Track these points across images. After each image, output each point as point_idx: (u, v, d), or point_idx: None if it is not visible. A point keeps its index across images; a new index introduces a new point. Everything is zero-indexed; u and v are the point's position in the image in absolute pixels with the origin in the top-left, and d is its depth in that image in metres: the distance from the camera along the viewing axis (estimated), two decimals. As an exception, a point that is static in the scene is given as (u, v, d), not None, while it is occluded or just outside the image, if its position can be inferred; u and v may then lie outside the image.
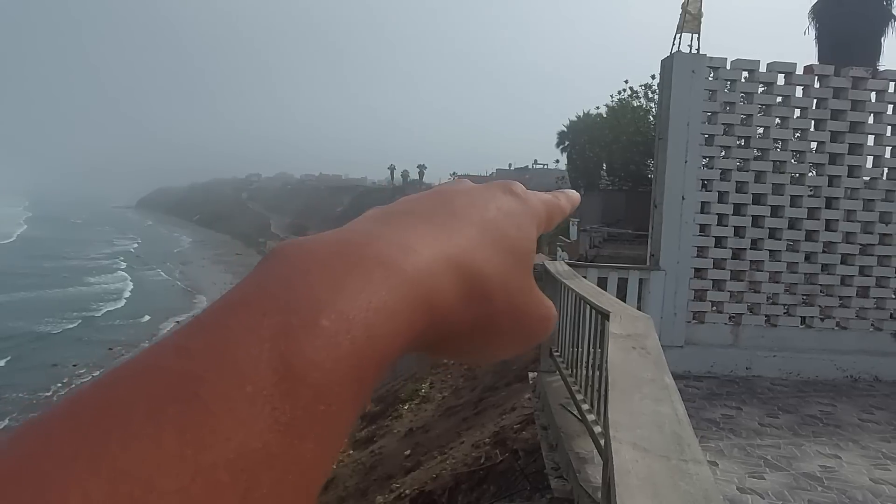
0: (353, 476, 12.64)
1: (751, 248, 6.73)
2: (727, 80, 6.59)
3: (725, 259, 6.74)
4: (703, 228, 6.70)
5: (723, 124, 6.62)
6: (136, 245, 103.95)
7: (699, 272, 6.75)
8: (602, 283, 6.20)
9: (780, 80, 6.61)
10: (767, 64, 6.59)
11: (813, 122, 6.69)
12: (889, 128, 6.70)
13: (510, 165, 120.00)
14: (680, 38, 6.60)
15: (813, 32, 16.97)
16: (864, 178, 6.77)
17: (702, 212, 6.66)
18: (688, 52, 6.57)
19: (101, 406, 0.17)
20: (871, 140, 6.71)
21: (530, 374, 6.71)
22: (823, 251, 6.78)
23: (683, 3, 6.55)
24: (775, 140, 6.72)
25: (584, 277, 5.59)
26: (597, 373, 3.88)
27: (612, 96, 26.97)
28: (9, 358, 40.31)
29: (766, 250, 6.73)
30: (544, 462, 4.53)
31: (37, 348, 43.10)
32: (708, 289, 6.77)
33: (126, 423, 0.17)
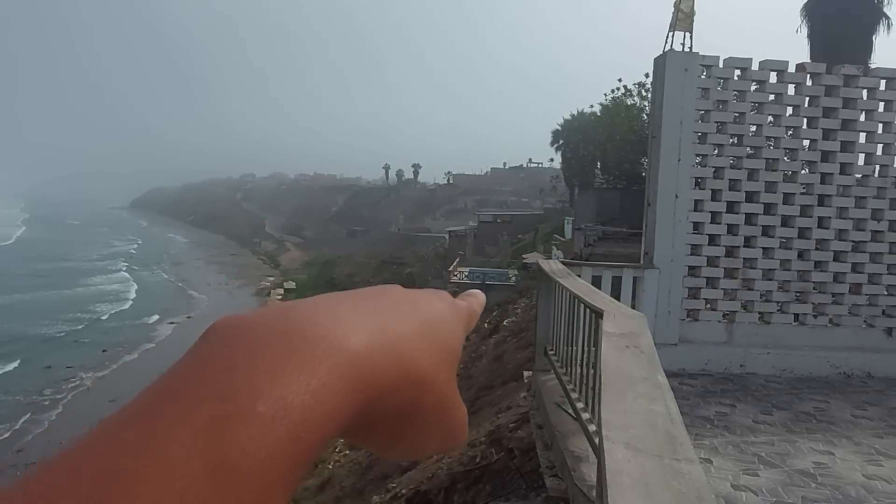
0: (349, 476, 12.62)
1: (744, 246, 6.75)
2: (720, 78, 6.60)
3: (719, 257, 6.76)
4: (697, 226, 6.72)
5: (715, 122, 6.64)
6: (135, 247, 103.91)
7: (693, 270, 6.77)
8: (596, 281, 6.21)
9: (773, 77, 6.63)
10: (760, 62, 6.61)
11: (805, 119, 6.72)
12: (880, 125, 6.73)
13: (505, 164, 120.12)
14: (672, 36, 6.61)
15: (805, 31, 17.04)
16: (856, 176, 6.81)
17: (695, 210, 6.68)
18: (680, 50, 6.58)
19: None
20: (862, 137, 6.74)
21: (525, 373, 6.72)
22: (816, 248, 6.81)
23: (676, 2, 6.55)
24: (768, 138, 6.74)
25: (579, 276, 5.60)
26: (591, 371, 3.88)
27: (605, 95, 27.02)
28: (18, 362, 40.26)
29: (759, 248, 6.75)
30: (539, 461, 4.53)
31: (45, 351, 43.07)
32: (702, 286, 6.79)
33: None
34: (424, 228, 73.39)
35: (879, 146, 6.79)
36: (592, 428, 3.71)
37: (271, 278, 72.73)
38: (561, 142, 34.78)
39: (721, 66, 6.56)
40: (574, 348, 4.61)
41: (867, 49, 16.45)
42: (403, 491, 8.03)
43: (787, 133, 6.78)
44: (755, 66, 6.57)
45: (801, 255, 6.82)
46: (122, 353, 43.95)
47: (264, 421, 0.20)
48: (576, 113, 33.10)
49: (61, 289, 65.71)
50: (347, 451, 15.15)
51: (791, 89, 6.67)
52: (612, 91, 26.05)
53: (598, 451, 2.00)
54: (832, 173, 6.74)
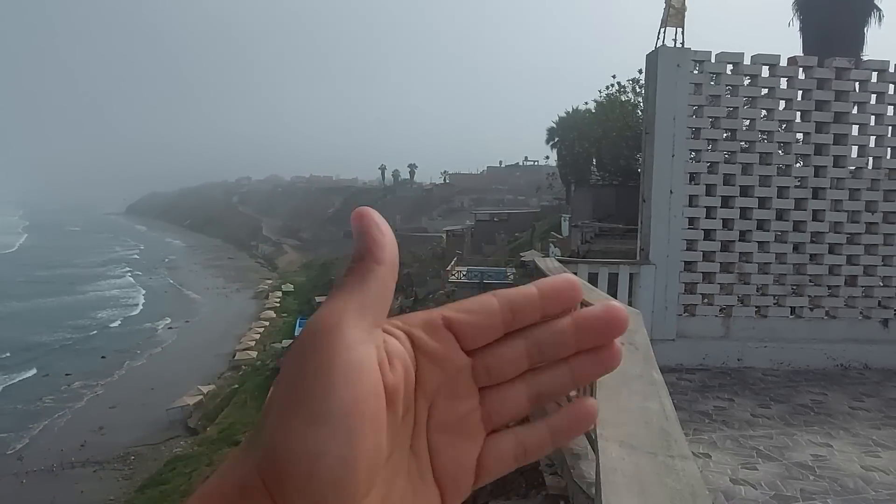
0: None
1: (739, 240, 6.77)
2: (712, 73, 6.61)
3: (714, 251, 6.77)
4: (692, 221, 6.73)
5: (709, 117, 6.65)
6: (137, 253, 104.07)
7: (689, 265, 6.78)
8: (593, 279, 6.22)
9: (765, 72, 6.64)
10: (752, 56, 6.62)
11: (798, 113, 6.73)
12: (872, 117, 6.75)
13: (501, 163, 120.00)
14: (664, 32, 6.62)
15: (797, 24, 17.06)
16: (850, 168, 6.82)
17: (690, 205, 6.69)
18: (672, 46, 6.59)
19: None
20: (855, 130, 6.76)
21: (524, 372, 6.72)
22: (811, 241, 6.83)
23: (667, -2, 6.56)
24: (761, 132, 6.76)
25: (575, 274, 5.61)
26: (588, 369, 3.89)
27: (600, 92, 27.02)
28: (35, 370, 40.30)
29: (754, 242, 6.77)
30: (539, 459, 4.54)
31: (60, 358, 43.12)
32: (698, 282, 6.80)
33: None
34: (421, 228, 73.31)
35: (872, 138, 6.81)
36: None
37: (269, 281, 72.56)
38: (556, 139, 34.74)
39: (713, 61, 6.57)
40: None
41: (859, 42, 16.48)
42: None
43: (780, 127, 6.79)
44: (747, 61, 6.59)
45: (797, 248, 6.84)
46: (138, 355, 44.23)
47: None
48: (571, 110, 33.10)
49: (70, 295, 66.08)
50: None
51: (783, 83, 6.68)
52: (607, 88, 26.06)
53: (594, 449, 2.00)
54: (826, 166, 6.76)
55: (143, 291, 68.43)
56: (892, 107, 6.74)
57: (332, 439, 0.29)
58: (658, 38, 6.65)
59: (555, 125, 35.17)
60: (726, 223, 6.76)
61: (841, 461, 4.35)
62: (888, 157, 6.83)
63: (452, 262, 37.71)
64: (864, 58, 9.09)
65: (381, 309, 0.33)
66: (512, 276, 28.48)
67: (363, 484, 0.29)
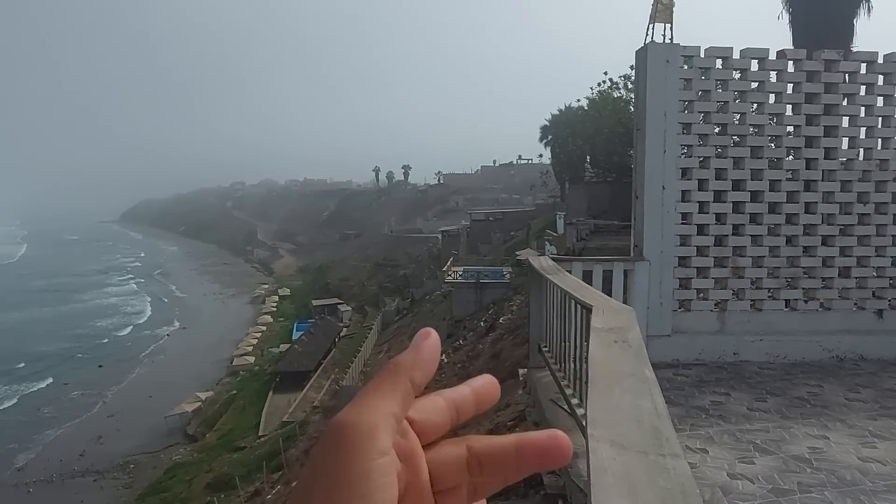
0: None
1: (733, 234, 6.78)
2: (701, 68, 6.62)
3: (708, 246, 6.77)
4: (685, 217, 6.74)
5: (699, 112, 6.65)
6: (138, 261, 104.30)
7: (683, 261, 6.78)
8: (587, 276, 6.21)
9: (754, 65, 6.65)
10: (741, 50, 6.63)
11: (788, 106, 6.74)
12: (862, 108, 6.77)
13: (495, 162, 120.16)
14: (653, 28, 6.62)
15: (787, 17, 17.10)
16: (841, 160, 6.84)
17: (682, 200, 6.70)
18: (661, 41, 6.59)
19: None
20: (845, 121, 6.77)
21: (520, 371, 6.72)
22: (805, 234, 6.84)
23: (655, -6, 6.56)
24: (752, 126, 6.77)
25: (569, 272, 5.60)
26: (584, 366, 3.88)
27: (592, 88, 27.09)
28: (50, 380, 40.35)
29: (747, 235, 6.77)
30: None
31: (74, 368, 43.18)
32: (692, 277, 6.80)
33: None
34: (417, 229, 73.34)
35: (862, 129, 6.82)
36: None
37: (266, 286, 72.47)
38: (549, 137, 34.81)
39: (702, 55, 6.57)
40: (567, 344, 4.61)
41: (849, 34, 16.53)
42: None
43: (770, 120, 6.80)
44: (736, 55, 6.59)
45: (790, 240, 6.85)
46: (143, 362, 44.30)
47: None
48: (563, 108, 33.16)
49: (77, 304, 66.46)
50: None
51: (773, 76, 6.69)
52: (599, 84, 26.13)
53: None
54: (817, 158, 6.77)
55: (149, 299, 68.70)
56: (882, 98, 6.76)
57: None
58: (647, 35, 6.65)
59: (548, 123, 35.22)
60: (719, 217, 6.76)
61: (838, 453, 4.35)
62: (879, 147, 6.84)
63: (449, 263, 37.73)
64: (854, 49, 9.10)
65: (400, 419, 0.36)
66: (508, 275, 28.49)
67: None
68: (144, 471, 27.93)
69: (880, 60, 6.66)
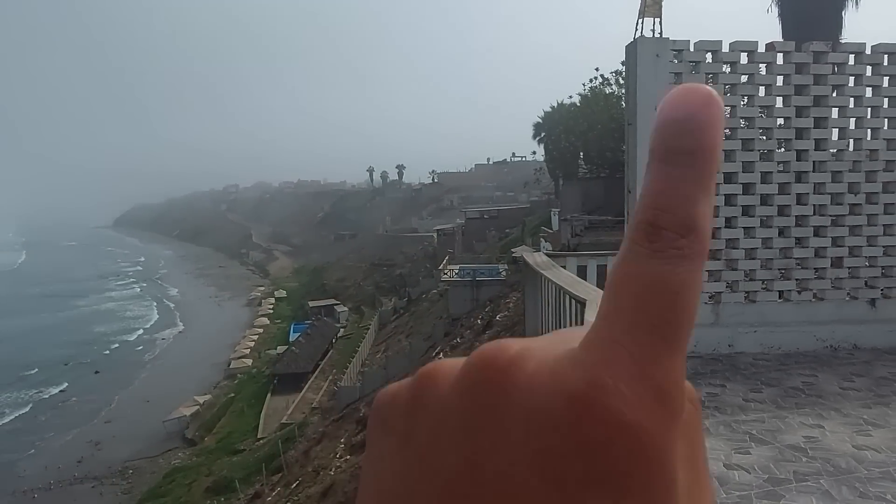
0: (351, 481, 12.60)
1: (725, 227, 6.81)
2: (691, 62, 6.64)
3: (701, 239, 6.80)
4: (678, 210, 6.76)
5: (690, 106, 6.67)
6: (139, 266, 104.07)
7: (677, 254, 6.80)
8: (582, 271, 6.24)
9: (744, 58, 6.67)
10: (730, 43, 6.65)
11: (778, 98, 6.78)
12: (851, 99, 6.80)
13: (489, 160, 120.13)
14: (642, 23, 6.65)
15: (776, 10, 17.16)
16: (831, 151, 6.88)
17: (675, 194, 6.72)
18: (651, 36, 6.61)
19: None
20: (835, 112, 6.81)
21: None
22: (797, 225, 6.88)
23: (644, -11, 6.59)
24: (742, 118, 6.80)
25: (564, 267, 5.62)
26: (579, 361, 3.90)
27: (584, 85, 27.14)
28: (66, 385, 40.34)
29: (740, 228, 6.81)
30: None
31: (87, 372, 43.28)
32: (686, 270, 6.83)
33: None
34: (412, 229, 73.27)
35: (852, 120, 6.86)
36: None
37: (262, 288, 72.28)
38: (543, 134, 34.86)
39: (692, 49, 6.60)
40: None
41: (838, 26, 16.60)
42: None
43: (761, 112, 6.83)
44: (725, 48, 6.62)
45: (782, 232, 6.88)
46: (146, 367, 44.40)
47: None
48: (556, 105, 33.21)
49: (80, 309, 66.28)
50: (349, 457, 15.12)
51: (762, 69, 6.72)
52: (590, 81, 26.20)
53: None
54: (807, 150, 6.81)
55: (155, 304, 68.75)
56: (871, 88, 6.80)
57: None
58: (636, 30, 6.68)
59: (541, 120, 35.26)
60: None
61: (833, 441, 4.39)
62: (868, 138, 6.89)
63: (444, 261, 37.73)
64: (843, 41, 9.14)
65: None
66: (504, 273, 28.52)
67: None
68: (143, 476, 27.83)
69: (868, 51, 6.70)
